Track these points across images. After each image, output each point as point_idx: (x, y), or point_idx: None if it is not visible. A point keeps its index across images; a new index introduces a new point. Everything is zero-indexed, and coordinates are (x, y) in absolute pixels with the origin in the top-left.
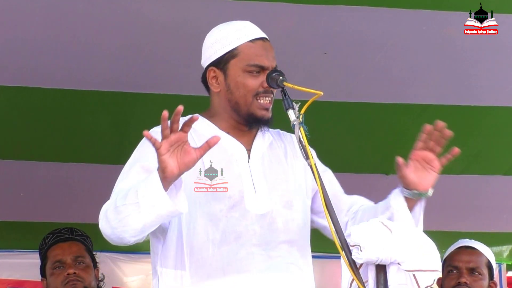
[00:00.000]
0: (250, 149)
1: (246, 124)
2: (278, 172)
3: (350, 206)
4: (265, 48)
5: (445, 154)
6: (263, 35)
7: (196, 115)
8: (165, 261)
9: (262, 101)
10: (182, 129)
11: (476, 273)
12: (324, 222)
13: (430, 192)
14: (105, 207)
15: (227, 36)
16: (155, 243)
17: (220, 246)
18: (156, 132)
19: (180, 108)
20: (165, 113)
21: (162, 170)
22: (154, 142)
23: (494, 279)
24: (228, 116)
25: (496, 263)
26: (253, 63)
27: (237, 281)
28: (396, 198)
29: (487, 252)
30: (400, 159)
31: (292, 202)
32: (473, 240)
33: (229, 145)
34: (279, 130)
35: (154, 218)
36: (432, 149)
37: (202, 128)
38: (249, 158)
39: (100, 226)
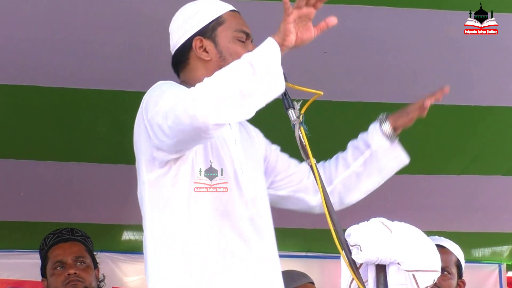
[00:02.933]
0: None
1: None
2: (252, 152)
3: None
4: (243, 18)
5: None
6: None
7: None
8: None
9: None
10: (314, 5)
11: (445, 272)
12: (277, 192)
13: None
14: (193, 91)
15: (207, 7)
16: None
17: (221, 235)
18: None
19: None
20: None
21: (283, 38)
22: (287, 8)
23: (463, 278)
24: None
25: (496, 263)
26: (241, 29)
27: (238, 272)
28: (376, 138)
29: (456, 250)
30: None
31: (264, 182)
32: (442, 238)
33: None
34: None
35: (266, 86)
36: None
37: None
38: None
39: (199, 102)
